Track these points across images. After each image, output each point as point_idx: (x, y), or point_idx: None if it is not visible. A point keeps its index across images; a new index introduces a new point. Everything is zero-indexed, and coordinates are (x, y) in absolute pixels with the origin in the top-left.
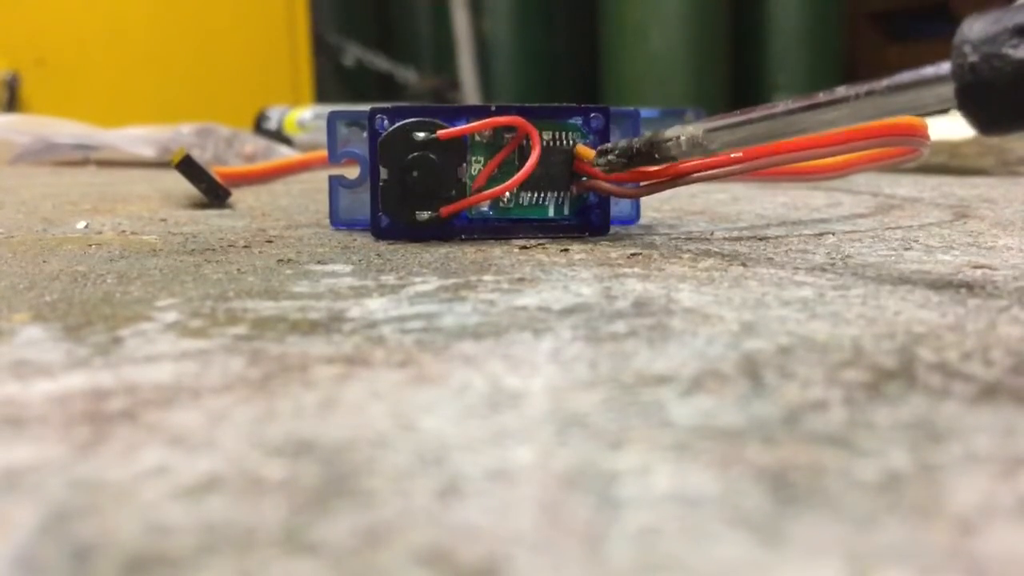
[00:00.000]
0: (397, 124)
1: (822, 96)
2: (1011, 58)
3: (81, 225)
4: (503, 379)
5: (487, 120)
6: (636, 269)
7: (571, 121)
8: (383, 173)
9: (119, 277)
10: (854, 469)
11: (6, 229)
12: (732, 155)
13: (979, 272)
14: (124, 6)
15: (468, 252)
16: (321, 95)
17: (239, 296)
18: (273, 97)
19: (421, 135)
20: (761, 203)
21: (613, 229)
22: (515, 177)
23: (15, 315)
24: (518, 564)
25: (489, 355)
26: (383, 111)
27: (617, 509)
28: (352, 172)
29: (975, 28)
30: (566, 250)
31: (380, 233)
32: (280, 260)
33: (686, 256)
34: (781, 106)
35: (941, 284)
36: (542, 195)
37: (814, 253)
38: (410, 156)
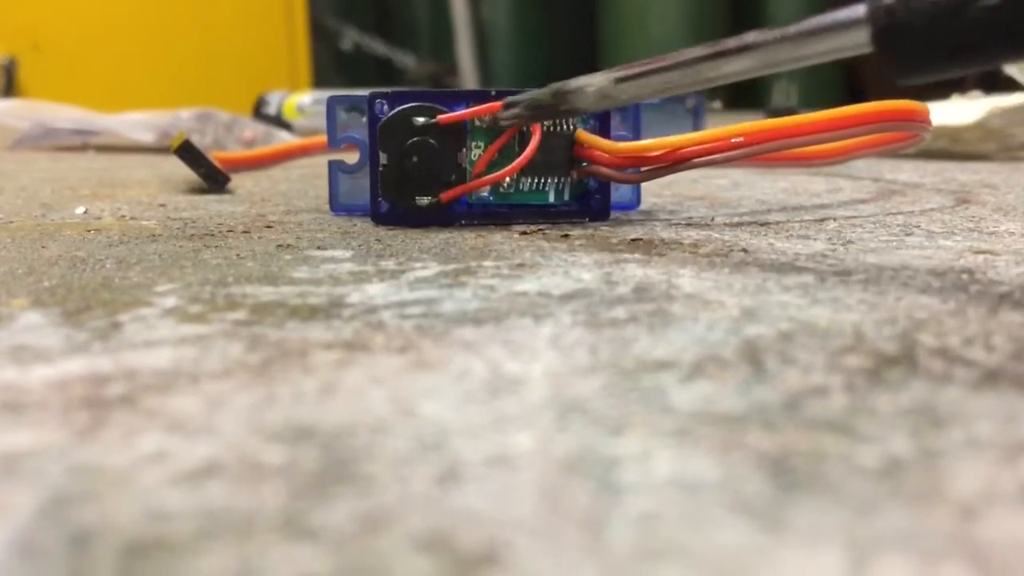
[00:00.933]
0: (397, 109)
1: (732, 43)
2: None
3: (80, 210)
4: (503, 365)
5: (487, 105)
6: (636, 255)
7: None
8: (383, 158)
9: (118, 262)
10: (855, 455)
11: (5, 214)
12: (733, 140)
13: (981, 257)
14: None
15: (468, 237)
16: (319, 80)
17: (238, 281)
18: (271, 82)
19: (421, 120)
20: (762, 189)
21: (613, 215)
22: (515, 162)
23: (14, 300)
24: (518, 549)
25: (489, 341)
26: (383, 96)
27: (617, 495)
28: (352, 157)
29: None
30: (566, 235)
31: (380, 218)
32: (279, 245)
33: (687, 242)
34: (689, 53)
35: (942, 270)
36: (542, 180)
37: (815, 239)
38: (410, 141)
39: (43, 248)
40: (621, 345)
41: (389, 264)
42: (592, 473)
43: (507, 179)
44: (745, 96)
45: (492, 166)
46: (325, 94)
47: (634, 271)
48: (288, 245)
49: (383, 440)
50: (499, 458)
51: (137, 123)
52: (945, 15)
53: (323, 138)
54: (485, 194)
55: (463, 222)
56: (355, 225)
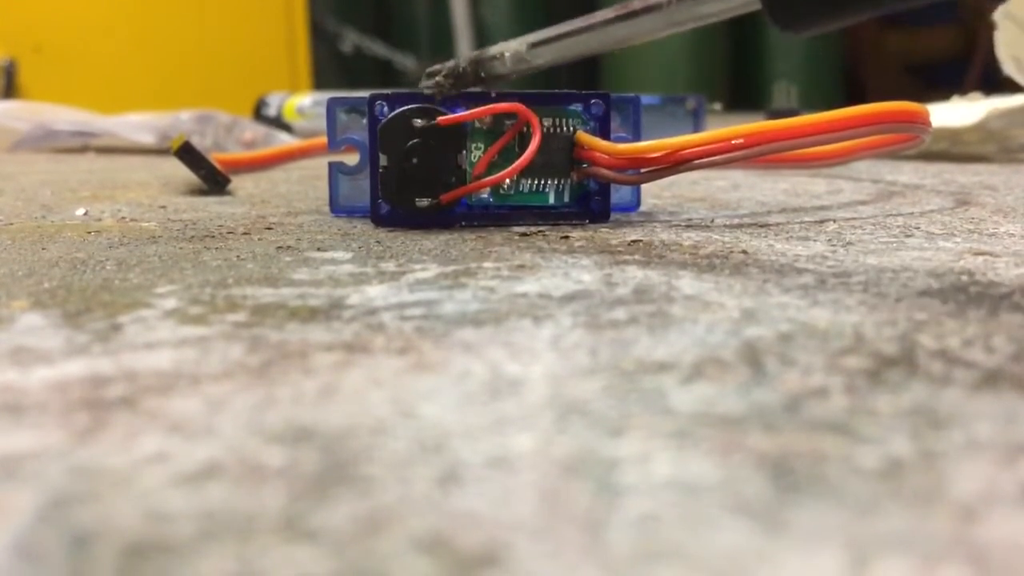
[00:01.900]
0: (397, 110)
1: (637, 4)
2: None
3: (80, 212)
4: (503, 366)
5: (487, 107)
6: (636, 256)
7: (571, 107)
8: (383, 160)
9: (118, 264)
10: (855, 456)
11: (5, 216)
12: (733, 142)
13: (980, 259)
14: None
15: (468, 239)
16: (319, 82)
17: (238, 283)
18: (271, 84)
19: (421, 122)
20: (762, 190)
21: (613, 216)
22: (515, 164)
23: (14, 302)
24: (518, 551)
25: (489, 342)
26: (383, 97)
27: (617, 496)
28: (352, 159)
29: None
30: (566, 237)
31: (380, 220)
32: (280, 247)
33: (687, 243)
34: (599, 16)
35: (942, 271)
36: (542, 182)
37: (815, 240)
38: (410, 143)
39: (43, 250)
40: (621, 347)
41: (389, 266)
42: (592, 474)
43: (507, 181)
44: (745, 98)
45: (492, 168)
46: (325, 96)
47: (634, 273)
48: (288, 247)
49: (383, 442)
50: (499, 459)
51: (137, 125)
52: None
53: (323, 140)
54: (485, 196)
55: (463, 224)
56: (355, 227)
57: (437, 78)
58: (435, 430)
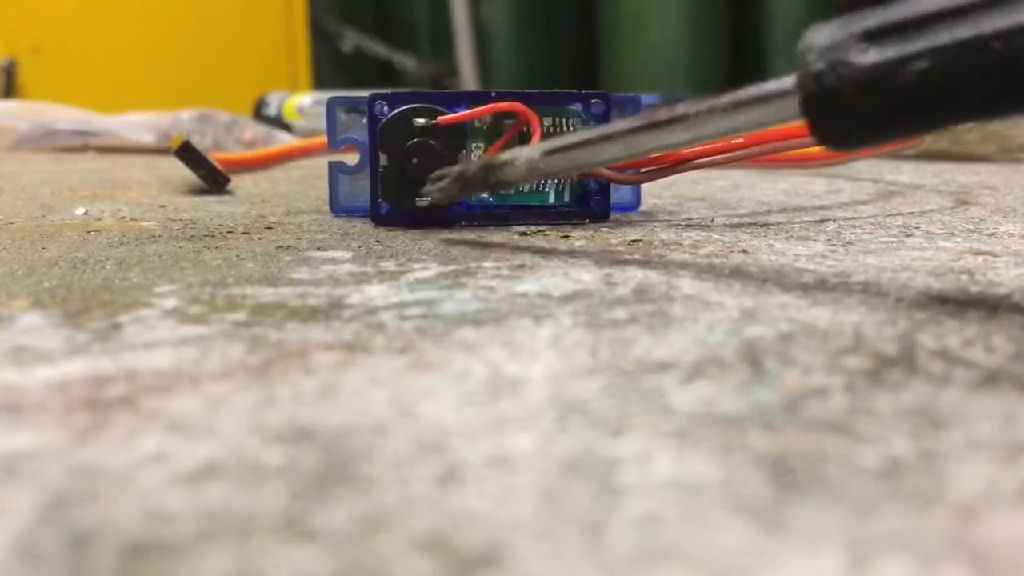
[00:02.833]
0: (397, 110)
1: (663, 114)
2: (857, 65)
3: (80, 211)
4: (503, 366)
5: (487, 106)
6: (636, 256)
7: (571, 107)
8: (383, 159)
9: (118, 263)
10: (855, 456)
11: (5, 215)
12: (733, 141)
13: (980, 259)
14: None
15: (468, 238)
16: (319, 82)
17: (238, 282)
18: (271, 83)
19: (421, 121)
20: (762, 190)
21: (613, 216)
22: None
23: (14, 301)
24: (518, 551)
25: (489, 342)
26: (383, 97)
27: (617, 496)
28: (352, 158)
29: (822, 34)
30: (566, 236)
31: (380, 219)
32: (279, 246)
33: (687, 243)
34: (622, 124)
35: (942, 271)
36: (542, 182)
37: (815, 240)
38: (410, 142)
39: (43, 249)
40: (621, 346)
41: (389, 265)
42: (592, 474)
43: None
44: None
45: None
46: (325, 95)
47: (634, 272)
48: (288, 246)
49: (383, 441)
50: (499, 459)
51: (137, 124)
52: (874, 80)
53: (323, 139)
54: (485, 195)
55: (463, 223)
56: (355, 226)
57: (443, 183)
58: (435, 430)
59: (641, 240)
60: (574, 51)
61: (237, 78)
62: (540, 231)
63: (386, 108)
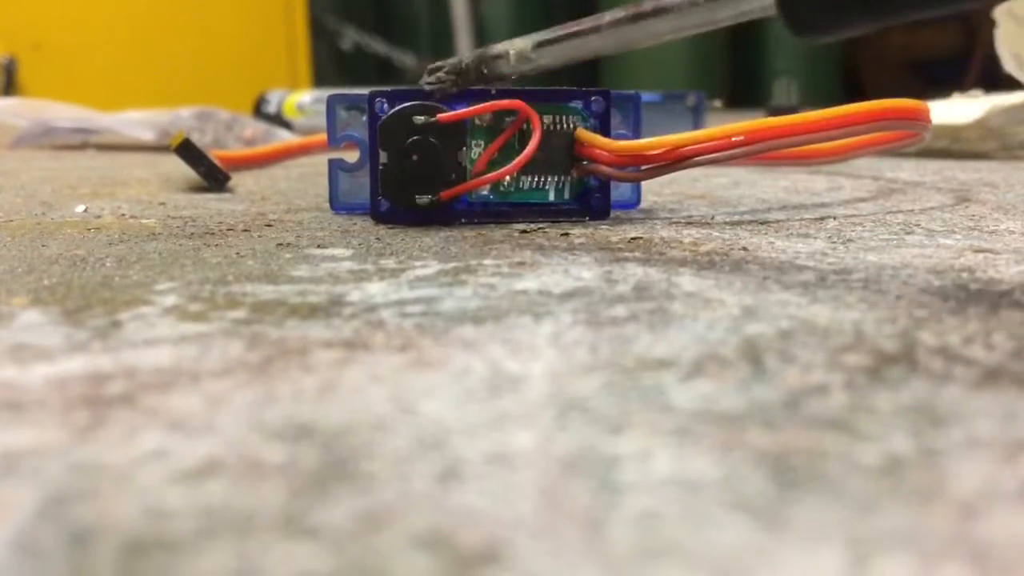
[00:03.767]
0: (397, 107)
1: (648, 5)
2: None
3: (80, 209)
4: (503, 363)
5: (487, 104)
6: (637, 253)
7: (572, 104)
8: (383, 157)
9: (118, 261)
10: (855, 453)
11: (5, 213)
12: (733, 139)
13: (981, 256)
14: None
15: (468, 236)
16: (319, 79)
17: (238, 280)
18: (270, 81)
19: (421, 118)
20: (762, 187)
21: (613, 213)
22: (515, 161)
23: (14, 299)
24: (518, 548)
25: (489, 339)
26: (383, 94)
27: (617, 493)
28: (352, 156)
29: None
30: (566, 234)
31: (380, 217)
32: (279, 244)
33: (687, 240)
34: (608, 16)
35: (943, 268)
36: (542, 179)
37: (815, 237)
38: (410, 140)
39: (43, 247)
40: (621, 343)
41: (389, 263)
42: (592, 472)
43: (507, 177)
44: (746, 95)
45: (492, 164)
46: (325, 93)
47: (634, 269)
48: (288, 244)
49: (383, 438)
50: (499, 456)
51: (137, 122)
52: None
53: (323, 137)
54: (485, 192)
55: (463, 220)
56: (355, 224)
57: (439, 74)
58: (435, 427)
59: (641, 237)
60: None
61: (237, 75)
62: (540, 228)
63: (386, 105)
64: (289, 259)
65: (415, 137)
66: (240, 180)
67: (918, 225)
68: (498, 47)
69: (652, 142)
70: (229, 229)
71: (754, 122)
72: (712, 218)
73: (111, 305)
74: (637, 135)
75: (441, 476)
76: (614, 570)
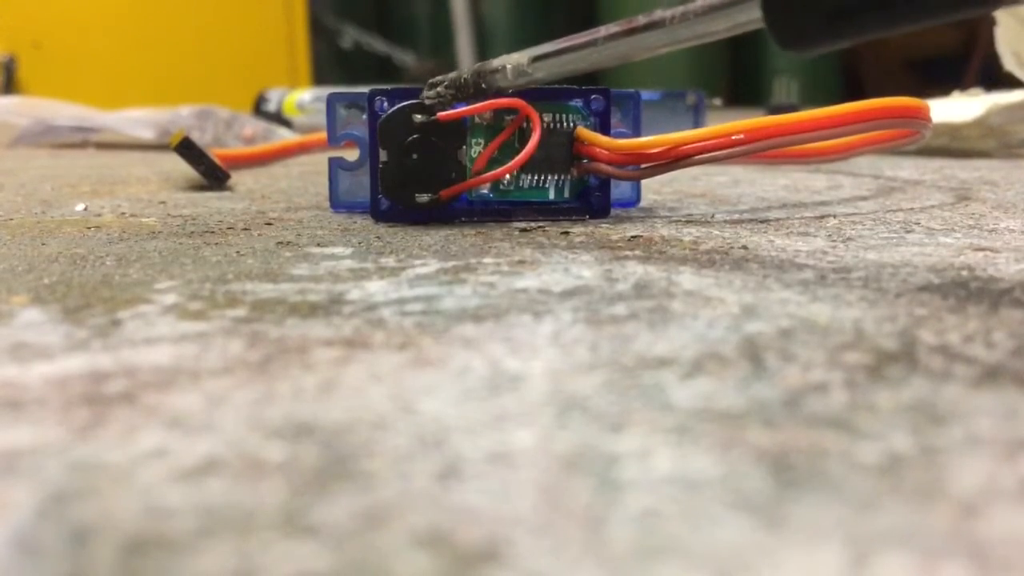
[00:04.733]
0: (397, 106)
1: (641, 19)
2: None
3: (80, 207)
4: (503, 362)
5: (487, 102)
6: (637, 252)
7: (571, 103)
8: (383, 155)
9: (118, 259)
10: (855, 452)
11: (5, 212)
12: (733, 137)
13: (981, 254)
14: None
15: (468, 234)
16: (318, 78)
17: (238, 278)
18: (270, 80)
19: (421, 117)
20: (762, 186)
21: (614, 212)
22: (515, 159)
23: (14, 297)
24: (518, 546)
25: (489, 338)
26: (383, 93)
27: (618, 492)
28: (352, 154)
29: None
30: (566, 233)
31: (380, 215)
32: (279, 242)
33: (687, 239)
34: (602, 31)
35: (943, 267)
36: (542, 177)
37: (815, 236)
38: (410, 138)
39: (43, 245)
40: (621, 342)
41: (389, 261)
42: (592, 470)
43: (507, 176)
44: (745, 93)
45: (492, 163)
46: (325, 91)
47: (634, 268)
48: (288, 242)
49: (383, 437)
50: (499, 455)
51: (137, 120)
52: None
53: (323, 135)
54: (485, 191)
55: (463, 219)
56: (355, 222)
57: (438, 88)
58: (435, 425)
59: (641, 236)
60: None
61: (237, 74)
62: (540, 227)
63: (386, 104)
64: (289, 257)
65: (415, 135)
66: (240, 179)
67: (918, 223)
68: (495, 61)
69: (652, 140)
70: (229, 228)
71: (754, 120)
72: (712, 216)
73: (111, 304)
74: (637, 133)
75: (441, 474)
76: (614, 568)
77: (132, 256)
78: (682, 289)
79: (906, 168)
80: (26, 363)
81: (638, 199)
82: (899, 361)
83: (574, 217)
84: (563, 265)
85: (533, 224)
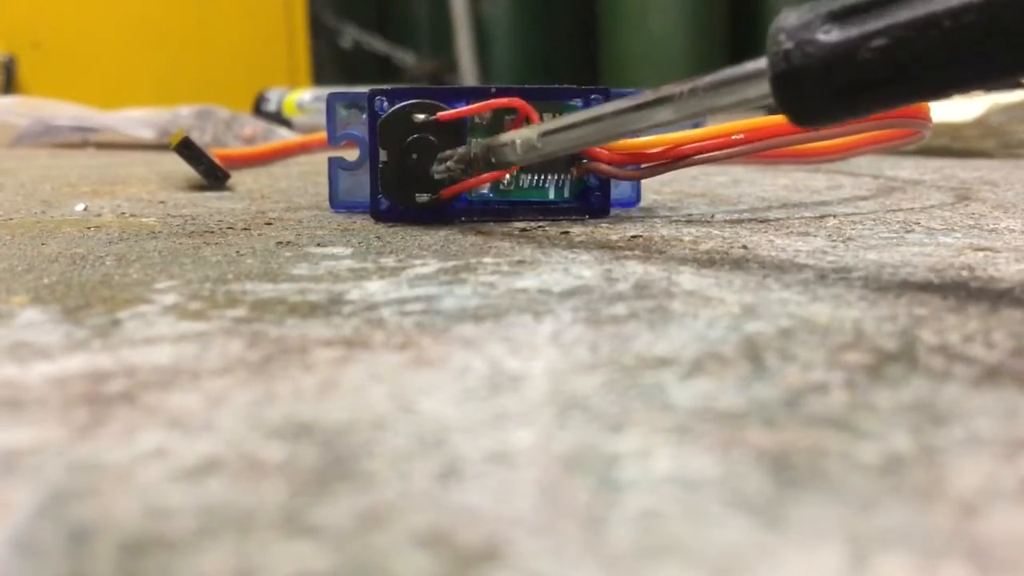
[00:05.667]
0: (397, 106)
1: (649, 95)
2: (822, 43)
3: (80, 207)
4: (503, 361)
5: (487, 102)
6: (637, 251)
7: (571, 103)
8: (383, 155)
9: (118, 259)
10: (855, 452)
11: (5, 211)
12: (733, 137)
13: (981, 255)
14: None
15: (468, 234)
16: (318, 78)
17: (238, 278)
18: (270, 79)
19: (421, 117)
20: (762, 185)
21: (613, 211)
22: None
23: (14, 297)
24: (518, 546)
25: (489, 337)
26: (383, 92)
27: (617, 492)
28: (352, 154)
29: (791, 17)
30: (566, 232)
31: (380, 215)
32: (279, 242)
33: (687, 239)
34: (610, 107)
35: (943, 267)
36: (542, 177)
37: (815, 235)
38: (410, 138)
39: (43, 245)
40: (621, 342)
41: (389, 261)
42: (592, 470)
43: (507, 176)
44: None
45: None
46: (325, 91)
47: (634, 268)
48: (288, 242)
49: (383, 437)
50: (499, 455)
51: (137, 120)
52: (838, 57)
53: (323, 135)
54: (485, 191)
55: (463, 219)
56: (355, 222)
57: (448, 163)
58: (435, 425)
59: (641, 236)
60: (574, 46)
61: (237, 74)
62: (540, 227)
63: (386, 104)
64: (289, 257)
65: (415, 135)
66: (240, 178)
67: (918, 223)
68: (504, 137)
69: (652, 140)
70: (229, 227)
71: (754, 120)
72: (712, 216)
73: (111, 303)
74: (636, 133)
75: (441, 474)
76: (614, 568)
77: (132, 256)
78: (682, 289)
79: (906, 168)
80: (26, 363)
81: (638, 199)
82: (899, 361)
83: (574, 217)
84: (563, 265)
85: (533, 224)
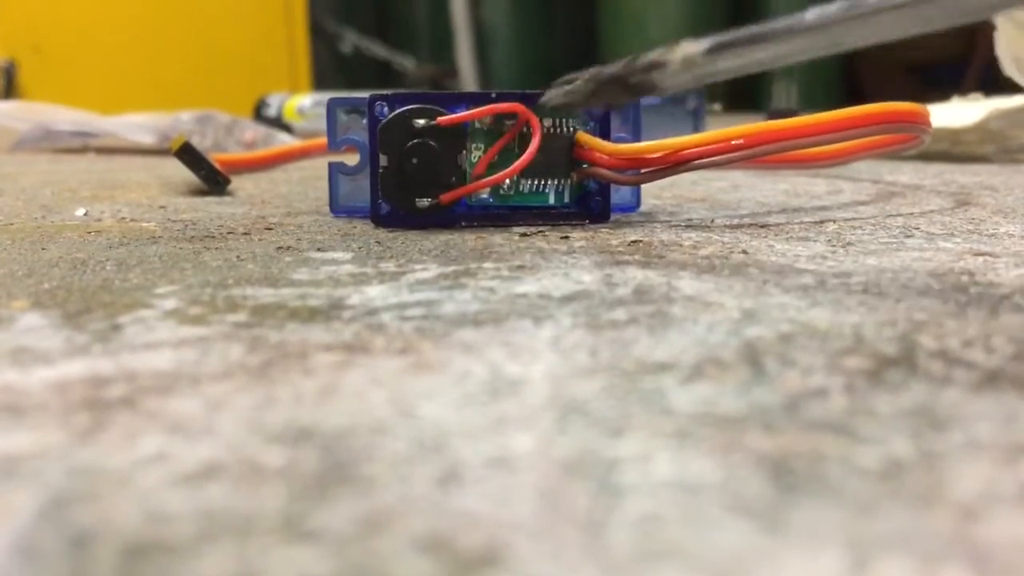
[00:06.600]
0: (397, 111)
1: (868, 3)
2: None
3: (80, 212)
4: (503, 366)
5: (487, 107)
6: (637, 256)
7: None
8: (383, 160)
9: (118, 264)
10: (855, 456)
11: (5, 216)
12: (733, 142)
13: (980, 259)
14: None
15: (468, 239)
16: (319, 83)
17: (238, 283)
18: (271, 84)
19: (421, 122)
20: (761, 190)
21: (613, 216)
22: (515, 164)
23: (14, 302)
24: (518, 551)
25: (489, 342)
26: (383, 97)
27: (618, 496)
28: (352, 159)
29: None
30: (566, 237)
31: (380, 220)
32: (280, 247)
33: (687, 243)
34: (813, 16)
35: (942, 272)
36: (542, 182)
37: (815, 240)
38: (410, 143)
39: (43, 250)
40: (621, 347)
41: (389, 266)
42: (592, 475)
43: (507, 181)
44: (745, 98)
45: (492, 168)
46: (326, 96)
47: (634, 273)
48: (288, 247)
49: (383, 442)
50: (499, 460)
51: (137, 125)
52: None
53: (323, 140)
54: (485, 196)
55: (463, 224)
56: (355, 227)
57: (576, 83)
58: (435, 430)
59: (641, 241)
60: (574, 51)
61: (237, 79)
62: (540, 232)
63: (386, 109)
64: (289, 262)
65: (415, 140)
66: (240, 183)
67: (918, 228)
68: (654, 54)
69: (652, 145)
70: (229, 232)
71: (754, 125)
72: (712, 221)
73: (111, 308)
74: (637, 138)
75: (441, 479)
76: (614, 573)
77: (132, 261)
78: (682, 294)
79: (906, 173)
80: (26, 368)
81: (638, 204)
82: (899, 366)
83: (574, 222)
84: (563, 270)
85: (533, 229)
